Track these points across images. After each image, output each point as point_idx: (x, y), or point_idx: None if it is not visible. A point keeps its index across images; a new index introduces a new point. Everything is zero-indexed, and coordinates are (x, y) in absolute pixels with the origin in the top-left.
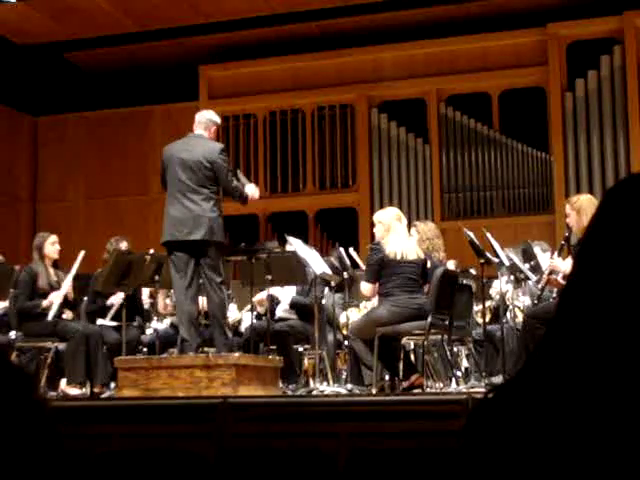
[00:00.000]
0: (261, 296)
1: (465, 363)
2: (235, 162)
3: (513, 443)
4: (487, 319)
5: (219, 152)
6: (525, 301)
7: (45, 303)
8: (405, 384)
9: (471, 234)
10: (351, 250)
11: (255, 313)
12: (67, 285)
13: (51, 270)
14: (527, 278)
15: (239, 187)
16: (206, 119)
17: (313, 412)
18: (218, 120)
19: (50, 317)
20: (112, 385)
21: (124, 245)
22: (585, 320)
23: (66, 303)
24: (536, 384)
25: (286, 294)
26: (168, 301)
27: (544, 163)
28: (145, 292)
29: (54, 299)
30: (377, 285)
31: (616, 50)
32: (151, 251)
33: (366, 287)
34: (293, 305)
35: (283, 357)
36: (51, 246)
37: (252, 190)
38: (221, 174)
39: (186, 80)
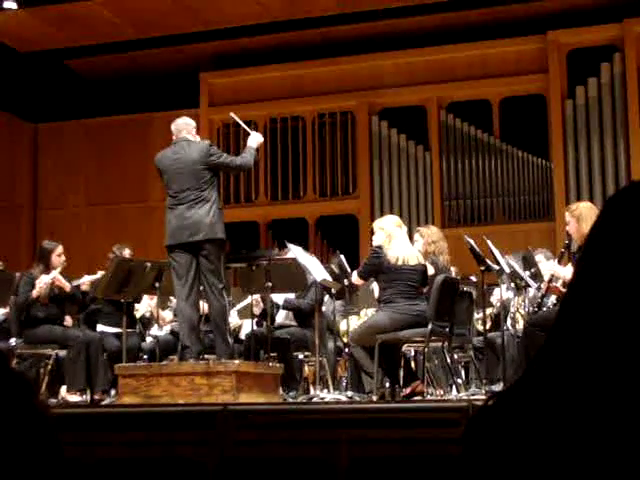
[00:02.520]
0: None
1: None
2: None
3: (513, 450)
4: (487, 326)
5: (208, 147)
6: (527, 308)
7: (34, 292)
8: (406, 391)
9: (471, 241)
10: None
11: (255, 320)
12: (55, 272)
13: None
14: (527, 285)
15: (244, 161)
16: (185, 124)
17: (313, 419)
18: (194, 122)
19: (34, 294)
20: (112, 392)
21: (127, 253)
22: (586, 327)
23: (63, 300)
24: (536, 392)
25: (281, 298)
26: (167, 312)
27: (544, 170)
28: (145, 300)
29: (42, 281)
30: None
31: (616, 57)
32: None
33: (356, 278)
34: (285, 306)
35: (283, 364)
36: (57, 257)
37: (255, 139)
38: (222, 163)
39: (187, 87)
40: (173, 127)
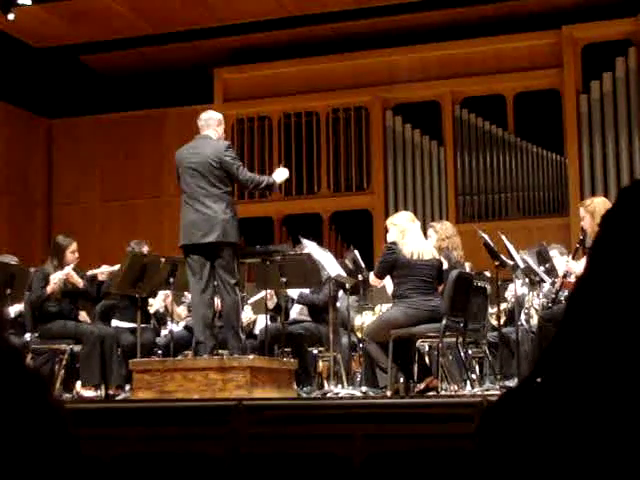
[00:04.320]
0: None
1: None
2: (250, 164)
3: (525, 445)
4: (502, 322)
5: (225, 149)
6: (542, 303)
7: (49, 289)
8: (420, 387)
9: (486, 236)
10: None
11: (269, 315)
12: (69, 268)
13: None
14: (542, 281)
15: (254, 178)
16: (208, 118)
17: (327, 414)
18: (220, 116)
19: (49, 290)
20: (127, 387)
21: (145, 248)
22: (596, 319)
23: (77, 295)
24: (547, 385)
25: (296, 292)
26: (182, 308)
27: (559, 165)
28: (160, 295)
29: (56, 277)
30: (383, 281)
31: (631, 52)
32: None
33: (373, 279)
34: (300, 301)
35: (298, 359)
36: (71, 254)
37: (280, 175)
38: (232, 170)
39: (201, 83)
40: (198, 121)
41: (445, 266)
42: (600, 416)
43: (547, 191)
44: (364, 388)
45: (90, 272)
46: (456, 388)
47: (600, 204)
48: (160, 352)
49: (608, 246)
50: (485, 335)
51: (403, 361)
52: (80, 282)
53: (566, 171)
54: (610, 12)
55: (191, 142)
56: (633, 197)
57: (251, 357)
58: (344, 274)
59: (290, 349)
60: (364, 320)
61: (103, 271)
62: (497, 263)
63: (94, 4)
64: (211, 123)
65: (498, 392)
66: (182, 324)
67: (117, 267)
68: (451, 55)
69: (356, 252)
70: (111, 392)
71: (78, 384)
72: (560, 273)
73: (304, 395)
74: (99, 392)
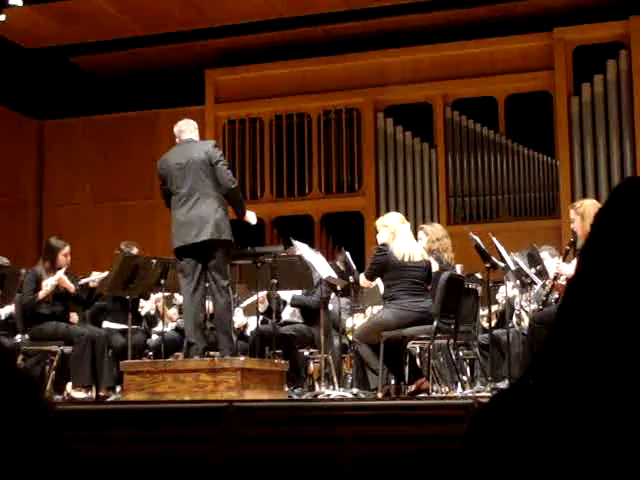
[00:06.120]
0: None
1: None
2: (241, 166)
3: (516, 446)
4: (493, 324)
5: (213, 146)
6: (532, 306)
7: (41, 294)
8: (411, 388)
9: (477, 238)
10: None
11: (261, 317)
12: (61, 272)
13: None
14: (533, 282)
15: (238, 191)
16: (186, 123)
17: (319, 416)
18: (195, 123)
19: (41, 295)
20: (118, 389)
21: (134, 250)
22: (587, 321)
23: (68, 298)
24: (538, 388)
25: (289, 295)
26: (173, 310)
27: (550, 167)
28: (151, 298)
29: (48, 282)
30: (374, 282)
31: (622, 54)
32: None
33: (363, 280)
34: (293, 303)
35: (289, 361)
36: (64, 257)
37: (251, 216)
38: (218, 165)
39: (192, 84)
40: (175, 129)
41: (436, 268)
42: (591, 418)
43: (538, 193)
44: (355, 390)
45: (82, 281)
46: (447, 390)
47: (590, 206)
48: (151, 354)
49: (600, 245)
50: (476, 337)
51: (394, 363)
52: (72, 287)
53: (557, 173)
54: (601, 15)
55: (175, 147)
56: (626, 194)
57: (242, 359)
58: (335, 276)
59: (281, 351)
60: (355, 322)
61: (94, 279)
62: (488, 265)
63: (85, 5)
64: (190, 129)
65: (489, 394)
66: (172, 325)
67: (107, 274)
68: (443, 57)
69: (347, 254)
70: (102, 394)
71: (69, 385)
72: (551, 275)
73: (295, 397)
74: (90, 393)
